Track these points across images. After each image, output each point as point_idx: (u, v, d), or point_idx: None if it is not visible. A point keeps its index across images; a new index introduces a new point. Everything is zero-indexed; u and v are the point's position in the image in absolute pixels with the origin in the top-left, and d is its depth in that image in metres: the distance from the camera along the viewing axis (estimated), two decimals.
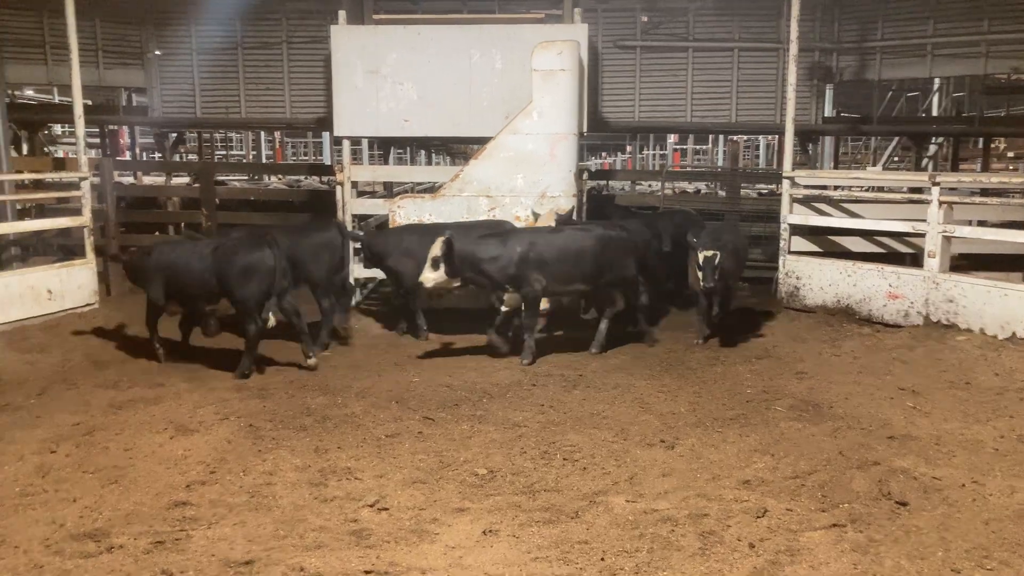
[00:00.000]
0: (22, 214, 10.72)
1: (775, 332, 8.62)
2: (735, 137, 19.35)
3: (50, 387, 6.73)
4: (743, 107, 13.56)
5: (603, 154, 38.09)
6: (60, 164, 11.68)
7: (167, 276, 7.21)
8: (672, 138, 28.33)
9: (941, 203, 8.32)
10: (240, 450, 5.36)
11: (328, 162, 21.31)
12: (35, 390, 6.64)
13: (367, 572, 3.79)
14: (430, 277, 7.28)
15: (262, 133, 23.92)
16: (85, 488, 4.75)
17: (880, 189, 13.23)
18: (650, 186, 18.53)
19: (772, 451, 5.33)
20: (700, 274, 7.71)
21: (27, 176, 10.81)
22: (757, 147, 26.76)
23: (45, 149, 17.81)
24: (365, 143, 19.03)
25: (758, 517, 4.33)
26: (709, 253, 7.62)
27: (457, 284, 7.58)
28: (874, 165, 18.87)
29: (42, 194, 10.94)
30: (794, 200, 9.79)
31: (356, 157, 16.54)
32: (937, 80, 16.72)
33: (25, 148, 15.40)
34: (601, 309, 8.24)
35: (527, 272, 7.49)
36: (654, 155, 31.15)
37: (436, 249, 7.23)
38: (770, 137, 23.21)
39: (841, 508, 4.46)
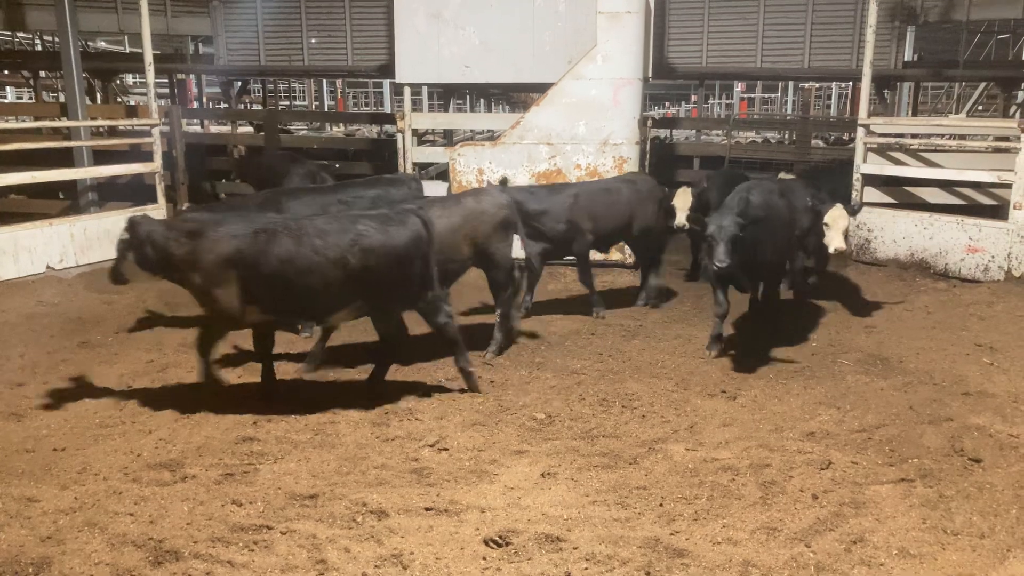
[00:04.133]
0: (98, 161, 11.07)
1: (843, 286, 8.35)
2: (807, 84, 18.57)
3: (126, 326, 7.00)
4: (817, 52, 12.95)
5: (666, 104, 37.16)
6: (132, 112, 11.95)
7: None
8: (739, 87, 27.39)
9: None
10: (305, 390, 5.50)
11: (389, 111, 21.34)
12: (112, 329, 6.92)
13: (428, 509, 3.87)
14: None
15: (324, 83, 24.06)
16: (160, 421, 4.95)
17: (962, 138, 12.57)
18: (707, 134, 17.97)
19: (838, 404, 5.20)
20: None
21: (102, 123, 11.12)
22: (829, 96, 25.68)
23: (118, 99, 18.31)
24: (425, 92, 18.96)
25: (822, 469, 4.25)
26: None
27: None
28: (956, 113, 17.89)
29: (116, 141, 11.25)
30: (868, 149, 9.37)
31: (416, 106, 16.49)
32: None
33: (99, 97, 15.87)
34: None
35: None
36: (720, 104, 30.21)
37: None
38: (843, 85, 22.22)
39: (910, 463, 4.34)
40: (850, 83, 18.66)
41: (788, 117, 21.62)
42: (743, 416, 5.05)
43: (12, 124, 12.63)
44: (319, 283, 4.79)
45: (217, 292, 4.83)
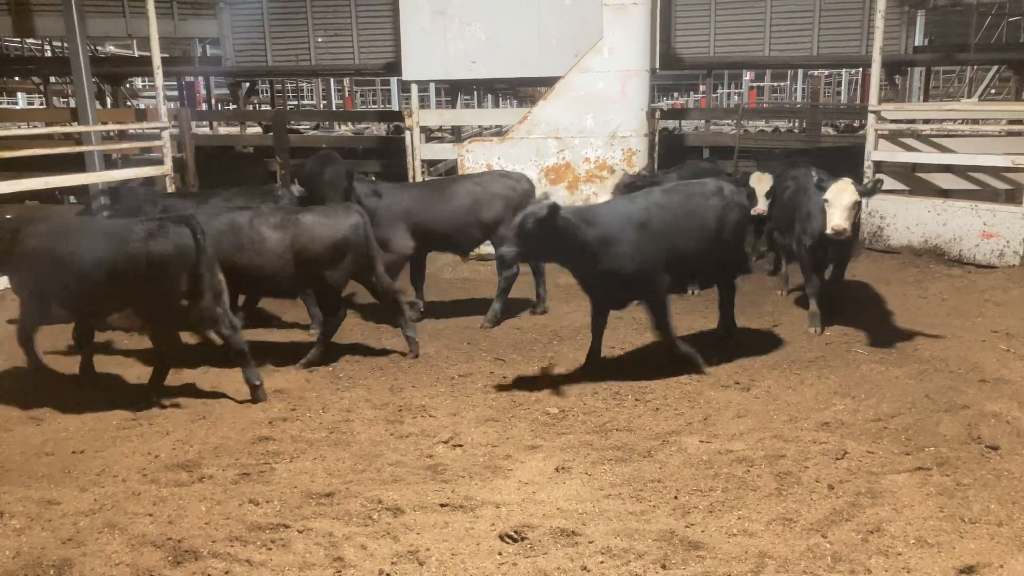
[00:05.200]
0: (109, 165, 11.14)
1: (856, 274, 8.28)
2: (816, 72, 18.41)
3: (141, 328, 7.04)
4: (826, 39, 12.81)
5: (675, 94, 36.98)
6: (142, 116, 12.02)
7: None
8: (748, 75, 27.20)
9: None
10: (319, 389, 5.53)
11: (397, 108, 21.35)
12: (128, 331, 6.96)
13: (443, 505, 3.88)
14: None
15: (332, 82, 24.11)
16: (176, 423, 4.99)
17: (975, 123, 12.44)
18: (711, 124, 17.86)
19: (853, 393, 5.18)
20: None
21: (112, 127, 11.19)
22: (839, 83, 25.47)
23: (128, 102, 18.42)
24: (432, 89, 18.94)
25: (837, 459, 4.23)
26: None
27: None
28: (969, 97, 17.70)
29: (126, 144, 11.33)
30: (880, 136, 9.30)
31: (424, 103, 16.47)
32: None
33: (109, 102, 15.97)
34: None
35: None
36: (728, 94, 30.03)
37: None
38: (853, 72, 22.01)
39: (926, 451, 4.31)
40: (860, 69, 18.48)
41: (798, 105, 21.47)
42: (757, 407, 5.04)
43: (25, 131, 12.74)
44: (89, 285, 4.98)
45: (22, 284, 5.33)
